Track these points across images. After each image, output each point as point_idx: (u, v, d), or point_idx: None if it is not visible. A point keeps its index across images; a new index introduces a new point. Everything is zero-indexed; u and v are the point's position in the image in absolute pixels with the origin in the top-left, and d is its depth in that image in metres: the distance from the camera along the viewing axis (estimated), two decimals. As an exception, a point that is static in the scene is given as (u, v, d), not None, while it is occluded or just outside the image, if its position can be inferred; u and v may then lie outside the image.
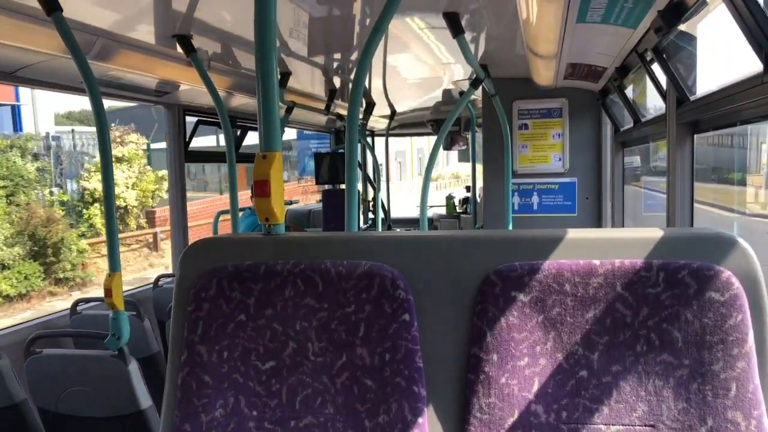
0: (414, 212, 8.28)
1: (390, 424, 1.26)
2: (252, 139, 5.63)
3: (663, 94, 2.90)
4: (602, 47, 3.22)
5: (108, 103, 2.89)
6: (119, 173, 15.72)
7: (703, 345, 1.18)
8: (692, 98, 2.57)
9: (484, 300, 1.26)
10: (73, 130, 18.98)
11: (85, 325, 3.68)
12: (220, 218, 6.40)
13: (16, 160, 13.90)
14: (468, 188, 7.65)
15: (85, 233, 15.03)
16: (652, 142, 3.90)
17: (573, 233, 1.29)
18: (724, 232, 1.25)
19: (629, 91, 3.91)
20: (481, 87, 4.07)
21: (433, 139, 8.17)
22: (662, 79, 2.89)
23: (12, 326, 3.66)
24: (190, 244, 1.43)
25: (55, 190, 15.49)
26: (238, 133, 5.22)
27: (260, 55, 1.46)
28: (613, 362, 1.22)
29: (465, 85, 5.08)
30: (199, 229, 16.94)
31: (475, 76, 3.81)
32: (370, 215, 7.56)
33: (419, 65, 4.59)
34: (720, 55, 2.68)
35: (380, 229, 6.88)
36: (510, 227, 4.72)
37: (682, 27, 2.44)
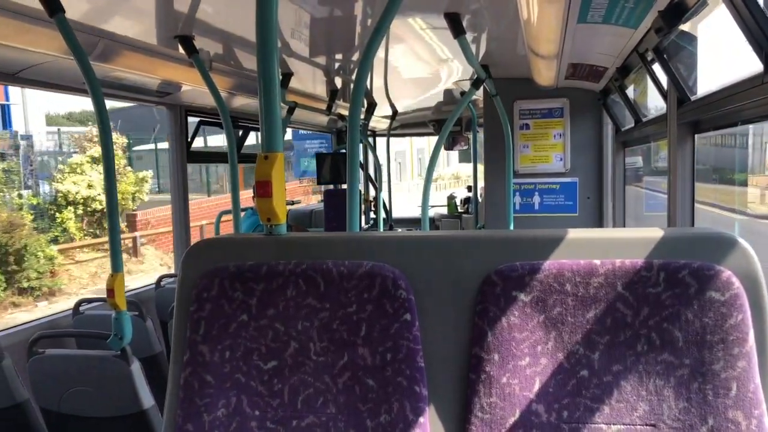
0: (415, 212, 8.29)
1: (391, 423, 1.26)
2: (251, 139, 5.65)
3: (664, 94, 2.90)
4: (603, 47, 3.22)
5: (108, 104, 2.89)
6: (95, 174, 14.99)
7: (704, 344, 1.19)
8: (693, 98, 2.57)
9: (485, 300, 1.27)
10: (59, 130, 18.64)
11: (87, 326, 3.69)
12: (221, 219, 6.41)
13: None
14: (469, 188, 7.66)
15: (58, 238, 14.25)
16: (653, 142, 3.90)
17: (574, 233, 1.30)
18: (724, 231, 1.25)
19: (630, 91, 3.91)
20: (482, 87, 4.08)
21: (433, 139, 8.17)
22: (663, 79, 2.89)
23: (15, 326, 3.67)
24: (192, 244, 1.44)
25: (24, 192, 14.76)
26: (240, 133, 5.22)
27: (262, 56, 1.47)
28: (613, 362, 1.22)
29: (466, 86, 5.08)
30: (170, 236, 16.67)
31: (476, 76, 3.82)
32: (372, 215, 7.57)
33: (420, 65, 4.60)
34: (720, 55, 2.68)
35: (382, 229, 6.89)
36: (511, 227, 4.72)
37: (682, 27, 2.45)
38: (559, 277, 1.24)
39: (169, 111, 4.54)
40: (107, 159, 2.88)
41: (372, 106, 6.24)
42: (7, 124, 18.23)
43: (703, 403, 1.18)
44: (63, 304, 11.22)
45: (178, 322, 1.36)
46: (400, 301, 1.28)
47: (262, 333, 1.32)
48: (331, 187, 7.72)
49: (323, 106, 5.79)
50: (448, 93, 6.03)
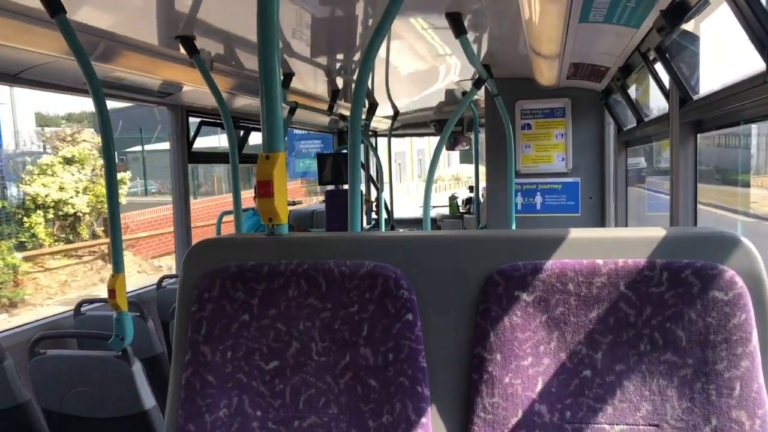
0: (416, 213, 8.28)
1: (394, 424, 1.26)
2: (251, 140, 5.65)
3: (666, 94, 2.90)
4: (605, 47, 3.22)
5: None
6: (68, 176, 14.18)
7: (707, 344, 1.18)
8: (695, 98, 2.56)
9: (487, 300, 1.26)
10: (43, 130, 18.35)
11: (88, 326, 3.69)
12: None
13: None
14: (471, 188, 7.66)
15: (26, 244, 13.37)
16: (656, 141, 3.89)
17: (576, 233, 1.29)
18: (727, 231, 1.24)
19: (632, 91, 3.91)
20: (483, 87, 4.08)
21: (433, 140, 8.16)
22: (665, 78, 2.89)
23: (16, 327, 3.67)
24: (193, 245, 1.44)
25: (-14, 196, 13.86)
26: (241, 134, 5.23)
27: (263, 56, 1.46)
28: (616, 362, 1.22)
29: (468, 86, 5.08)
30: (161, 239, 15.53)
31: (477, 76, 3.81)
32: (373, 215, 7.57)
33: (422, 66, 4.60)
34: (723, 54, 2.67)
35: (383, 230, 6.88)
36: (513, 227, 4.71)
37: (684, 26, 2.44)
38: (562, 276, 1.23)
39: (170, 111, 4.54)
40: (108, 159, 2.88)
41: (373, 106, 6.24)
42: (-6, 123, 17.71)
43: (707, 403, 1.18)
44: (27, 315, 10.46)
45: (180, 323, 1.36)
46: (402, 301, 1.28)
47: (264, 333, 1.32)
48: (332, 187, 7.73)
49: (324, 107, 5.80)
50: (449, 93, 6.03)
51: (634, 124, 3.91)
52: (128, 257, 14.61)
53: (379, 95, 5.93)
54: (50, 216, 14.05)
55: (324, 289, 1.30)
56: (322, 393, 1.30)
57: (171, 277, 4.67)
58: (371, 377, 1.28)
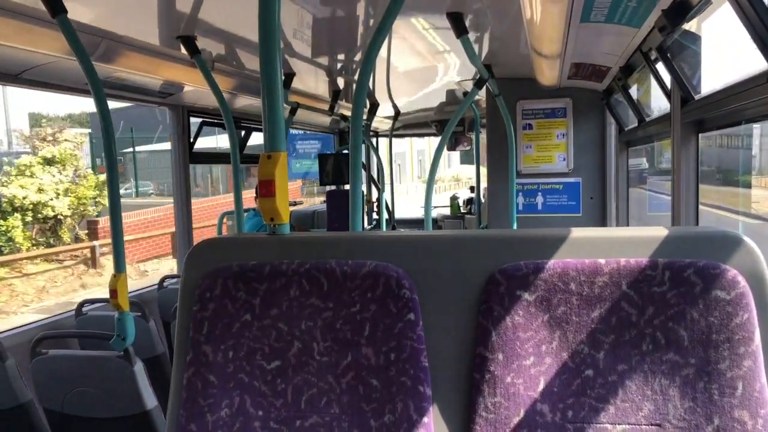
0: (417, 213, 8.29)
1: (395, 423, 1.26)
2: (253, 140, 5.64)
3: (667, 94, 2.90)
4: (606, 47, 3.21)
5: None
6: (48, 177, 13.58)
7: (710, 344, 1.18)
8: (697, 97, 2.56)
9: (489, 299, 1.26)
10: (32, 131, 18.18)
11: (90, 326, 3.69)
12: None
13: None
14: (472, 189, 7.66)
15: (2, 248, 12.88)
16: (657, 141, 3.89)
17: (578, 232, 1.29)
18: (729, 230, 1.24)
19: (633, 91, 3.91)
20: (485, 87, 4.08)
21: (434, 140, 8.15)
22: (666, 78, 2.89)
23: (18, 327, 3.68)
24: (195, 244, 1.44)
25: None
26: (242, 134, 5.23)
27: (264, 56, 1.47)
28: (618, 361, 1.22)
29: (469, 86, 5.08)
30: (148, 243, 15.04)
31: (478, 76, 3.81)
32: (374, 216, 7.57)
33: (423, 66, 4.60)
34: (724, 54, 2.67)
35: (384, 230, 6.88)
36: (514, 227, 4.71)
37: (686, 26, 2.44)
38: (564, 276, 1.23)
39: (172, 111, 4.55)
40: (110, 160, 2.89)
41: (374, 106, 6.24)
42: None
43: (709, 402, 1.18)
44: (-1, 324, 10.22)
45: (181, 322, 1.36)
46: (404, 301, 1.28)
47: (266, 333, 1.32)
48: (334, 187, 7.73)
49: (326, 107, 5.80)
50: (450, 93, 6.03)
51: (636, 124, 3.91)
52: (112, 261, 14.08)
53: (380, 95, 5.93)
54: (29, 219, 13.57)
55: (326, 289, 1.30)
56: (323, 393, 1.30)
57: (172, 277, 4.67)
58: (373, 377, 1.28)
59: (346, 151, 7.58)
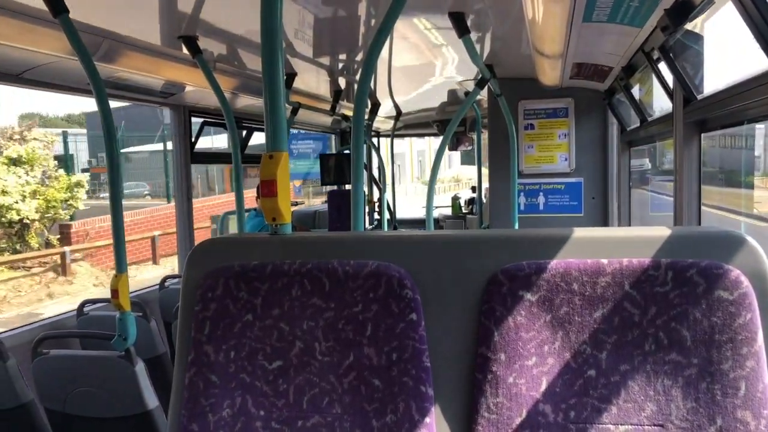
0: (419, 213, 8.29)
1: (397, 423, 1.26)
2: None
3: (670, 93, 2.89)
4: (608, 47, 3.21)
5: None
6: (13, 179, 12.64)
7: (712, 344, 1.18)
8: (699, 97, 2.56)
9: (491, 299, 1.26)
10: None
11: (91, 326, 3.70)
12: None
13: None
14: (474, 189, 7.66)
15: None
16: (659, 141, 3.88)
17: (580, 232, 1.29)
18: (732, 230, 1.24)
19: (636, 91, 3.90)
20: (486, 87, 4.08)
21: (434, 140, 8.14)
22: (669, 78, 2.88)
23: (19, 327, 3.68)
24: (196, 244, 1.44)
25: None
26: (244, 134, 5.23)
27: (266, 56, 1.47)
28: (621, 361, 1.21)
29: (470, 86, 5.08)
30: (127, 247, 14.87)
31: (480, 76, 3.81)
32: (376, 216, 7.57)
33: (424, 66, 4.60)
34: (727, 53, 2.67)
35: (386, 230, 6.88)
36: (516, 227, 4.71)
37: (688, 26, 2.44)
38: (566, 276, 1.23)
39: (173, 111, 4.55)
40: (111, 160, 2.89)
41: (376, 106, 6.24)
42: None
43: (712, 403, 1.17)
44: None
45: (183, 322, 1.36)
46: (406, 301, 1.28)
47: (267, 333, 1.31)
48: (335, 187, 7.73)
49: (327, 107, 5.80)
50: (452, 93, 6.03)
51: (638, 124, 3.90)
52: (84, 268, 13.36)
53: (382, 95, 5.93)
54: (-9, 223, 12.68)
55: (327, 289, 1.30)
56: (325, 393, 1.30)
57: (174, 277, 4.67)
58: (375, 377, 1.28)
59: (347, 151, 7.59)
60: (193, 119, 4.67)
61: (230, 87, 4.25)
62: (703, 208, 2.79)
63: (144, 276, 13.39)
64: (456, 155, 30.20)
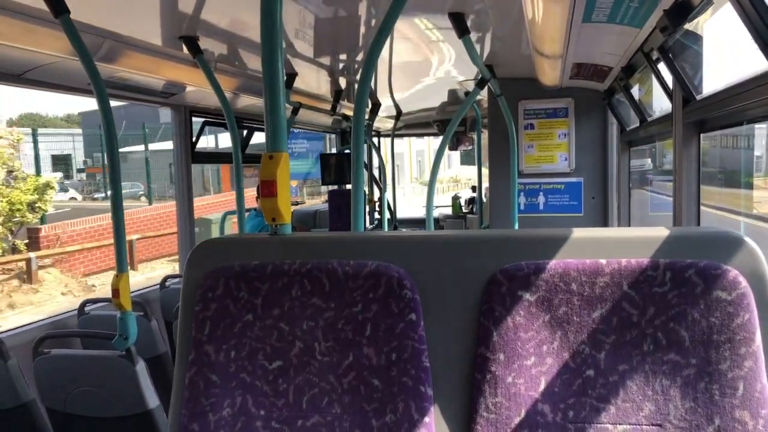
0: (419, 213, 8.29)
1: (397, 423, 1.26)
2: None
3: (669, 94, 2.89)
4: (608, 47, 3.21)
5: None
6: None
7: (711, 344, 1.18)
8: (698, 97, 2.56)
9: (490, 299, 1.26)
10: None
11: (92, 326, 3.70)
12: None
13: None
14: (474, 188, 7.66)
15: None
16: (659, 141, 3.89)
17: (579, 232, 1.29)
18: (731, 231, 1.24)
19: (635, 91, 3.90)
20: (486, 87, 4.08)
21: (433, 141, 8.14)
22: (668, 78, 2.89)
23: (20, 327, 3.69)
24: (197, 244, 1.44)
25: None
26: (244, 133, 5.23)
27: (266, 56, 1.47)
28: (619, 361, 1.22)
29: (470, 86, 5.09)
30: (101, 252, 13.36)
31: (480, 76, 3.81)
32: (376, 215, 7.57)
33: (425, 65, 4.60)
34: (726, 54, 2.67)
35: (386, 230, 6.88)
36: (516, 227, 4.71)
37: (688, 26, 2.44)
38: (565, 276, 1.23)
39: (174, 111, 4.55)
40: (112, 160, 2.90)
41: (376, 106, 6.24)
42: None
43: (710, 402, 1.18)
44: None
45: (183, 322, 1.36)
46: (406, 301, 1.28)
47: (267, 333, 1.32)
48: (335, 187, 7.73)
49: (327, 107, 5.80)
50: (452, 93, 6.03)
51: (637, 124, 3.91)
52: (53, 275, 12.59)
53: (382, 95, 5.93)
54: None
55: (327, 289, 1.31)
56: (325, 392, 1.31)
57: (174, 276, 4.68)
58: (374, 377, 1.29)
59: (347, 151, 7.59)
60: (194, 119, 4.67)
61: (231, 87, 4.26)
62: (702, 208, 2.79)
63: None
64: (455, 155, 30.17)
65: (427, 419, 1.26)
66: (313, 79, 4.92)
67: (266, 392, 1.32)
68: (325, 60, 4.31)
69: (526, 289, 1.25)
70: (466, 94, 5.56)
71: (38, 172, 14.57)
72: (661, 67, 2.95)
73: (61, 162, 28.53)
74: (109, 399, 2.91)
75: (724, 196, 3.61)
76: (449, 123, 3.69)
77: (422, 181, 29.55)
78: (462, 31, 2.98)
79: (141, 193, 23.72)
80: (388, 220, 7.13)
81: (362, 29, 3.43)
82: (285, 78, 1.52)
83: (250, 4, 1.96)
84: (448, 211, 8.40)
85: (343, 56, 4.31)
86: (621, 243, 1.26)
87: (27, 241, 12.85)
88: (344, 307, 1.30)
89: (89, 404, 2.95)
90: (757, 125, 2.93)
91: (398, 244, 1.35)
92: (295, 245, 1.38)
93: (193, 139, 4.66)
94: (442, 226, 7.95)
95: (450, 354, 1.30)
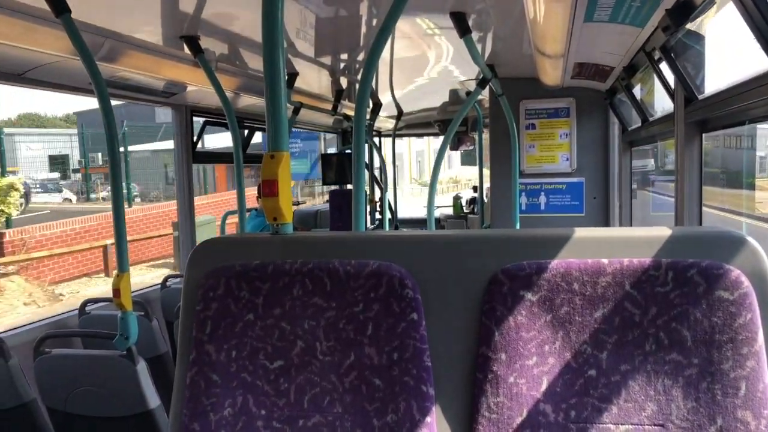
0: (420, 213, 8.29)
1: (398, 423, 1.26)
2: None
3: (671, 93, 2.89)
4: (610, 46, 3.21)
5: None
6: None
7: (713, 344, 1.18)
8: (700, 97, 2.56)
9: (492, 299, 1.26)
10: None
11: (93, 325, 3.70)
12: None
13: None
14: (475, 188, 7.66)
15: None
16: (660, 141, 3.88)
17: (581, 232, 1.29)
18: (733, 230, 1.24)
19: (637, 91, 3.90)
20: (488, 87, 4.08)
21: (434, 141, 8.15)
22: (670, 78, 2.88)
23: (21, 326, 3.69)
24: (198, 244, 1.44)
25: None
26: (245, 133, 5.23)
27: (267, 56, 1.47)
28: (621, 361, 1.22)
29: (472, 85, 5.08)
30: (73, 258, 12.58)
31: (481, 76, 3.81)
32: (377, 215, 7.57)
33: (426, 65, 4.60)
34: (729, 53, 2.67)
35: (388, 230, 6.88)
36: (517, 227, 4.71)
37: (690, 26, 2.44)
38: (567, 276, 1.23)
39: (175, 111, 4.55)
40: (113, 160, 2.90)
41: (377, 106, 6.24)
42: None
43: (712, 402, 1.17)
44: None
45: (185, 321, 1.36)
46: (407, 301, 1.28)
47: (269, 332, 1.32)
48: (336, 187, 7.73)
49: (329, 106, 5.80)
50: (453, 93, 6.03)
51: (639, 124, 3.90)
52: (15, 284, 11.74)
53: (383, 95, 5.93)
54: None
55: (329, 289, 1.30)
56: (326, 392, 1.30)
57: (175, 276, 4.68)
58: (376, 376, 1.28)
59: (348, 151, 7.59)
60: (195, 119, 4.67)
61: (232, 87, 4.25)
62: (704, 209, 2.79)
63: (92, 289, 11.81)
64: (456, 156, 30.15)
65: (428, 419, 1.26)
66: (314, 79, 4.92)
67: (267, 392, 1.31)
68: (327, 60, 4.31)
69: (527, 289, 1.24)
70: (468, 93, 5.55)
71: (2, 173, 13.88)
72: (663, 66, 2.94)
73: (59, 162, 28.52)
74: (109, 399, 2.91)
75: (726, 196, 3.60)
76: (450, 123, 3.69)
77: (421, 182, 29.54)
78: (463, 30, 2.97)
79: (135, 194, 23.61)
80: (389, 220, 7.12)
81: (363, 29, 3.43)
82: (286, 77, 1.52)
83: (251, 3, 1.95)
84: (449, 211, 8.40)
85: (344, 56, 4.31)
86: (623, 243, 1.26)
87: (-10, 247, 12.02)
88: (345, 307, 1.30)
89: (90, 404, 2.95)
90: (759, 125, 2.92)
91: (399, 244, 1.34)
92: (296, 245, 1.38)
93: (194, 138, 4.66)
94: (443, 226, 7.95)
95: (451, 354, 1.30)
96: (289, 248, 1.37)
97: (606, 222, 4.95)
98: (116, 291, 2.86)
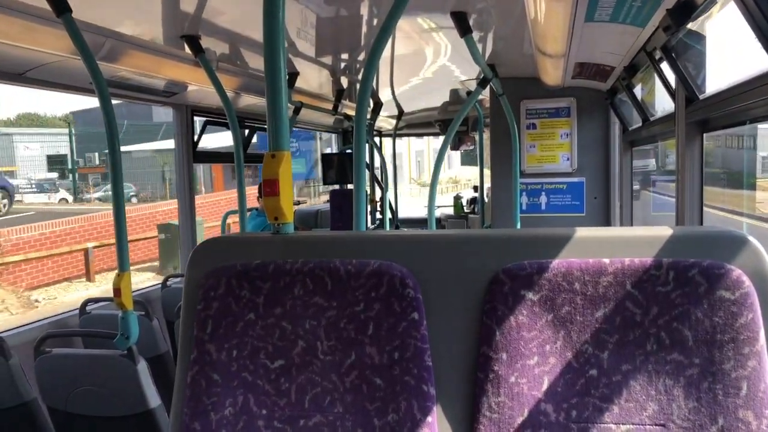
0: (421, 213, 8.29)
1: (399, 422, 1.26)
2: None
3: (672, 93, 2.89)
4: (610, 46, 3.21)
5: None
6: None
7: (714, 344, 1.18)
8: (701, 97, 2.56)
9: (493, 299, 1.26)
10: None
11: (94, 325, 3.70)
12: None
13: None
14: (476, 188, 7.66)
15: None
16: (661, 141, 3.88)
17: (582, 232, 1.29)
18: (734, 230, 1.24)
19: (638, 90, 3.90)
20: (488, 87, 4.08)
21: (433, 140, 8.16)
22: (671, 78, 2.88)
23: (22, 326, 3.69)
24: (199, 243, 1.44)
25: None
26: (246, 133, 5.23)
27: (268, 56, 1.47)
28: (623, 361, 1.21)
29: (472, 85, 5.08)
30: (52, 262, 12.09)
31: (482, 75, 3.81)
32: (378, 215, 7.57)
33: (427, 65, 4.59)
34: (729, 53, 2.66)
35: (388, 229, 6.88)
36: (518, 227, 4.71)
37: (691, 25, 2.43)
38: (568, 275, 1.23)
39: (176, 111, 4.55)
40: (114, 160, 2.90)
41: (378, 105, 6.24)
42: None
43: (713, 402, 1.17)
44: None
45: (185, 321, 1.36)
46: (408, 300, 1.28)
47: (269, 332, 1.32)
48: (337, 187, 7.73)
49: (329, 106, 5.80)
50: (454, 93, 6.02)
51: (640, 124, 3.90)
52: None
53: (384, 95, 5.93)
54: None
55: (330, 288, 1.30)
56: (327, 392, 1.30)
57: (176, 276, 4.68)
58: (377, 376, 1.28)
59: (349, 151, 7.59)
60: (196, 118, 4.67)
61: (232, 86, 4.25)
62: (705, 209, 2.78)
63: (71, 295, 11.47)
64: (456, 156, 30.11)
65: (429, 419, 1.26)
66: (315, 79, 4.92)
67: (268, 391, 1.31)
68: (327, 59, 4.31)
69: (528, 289, 1.24)
70: (468, 93, 5.55)
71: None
72: (664, 66, 2.94)
73: (57, 162, 28.51)
74: (110, 398, 2.91)
75: (727, 196, 3.60)
76: (451, 123, 3.69)
77: (421, 182, 29.52)
78: (464, 30, 2.97)
79: (132, 194, 23.50)
80: (390, 219, 7.12)
81: (364, 28, 3.43)
82: (287, 77, 1.52)
83: (252, 3, 1.95)
84: (450, 210, 8.39)
85: (345, 55, 4.31)
86: (624, 242, 1.26)
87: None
88: (346, 306, 1.30)
89: (90, 403, 2.95)
90: (761, 125, 2.92)
91: (400, 244, 1.34)
92: (297, 244, 1.38)
93: (195, 138, 4.66)
94: (444, 226, 7.94)
95: (452, 353, 1.30)
96: (289, 248, 1.37)
97: (607, 222, 4.95)
98: (117, 290, 2.86)
